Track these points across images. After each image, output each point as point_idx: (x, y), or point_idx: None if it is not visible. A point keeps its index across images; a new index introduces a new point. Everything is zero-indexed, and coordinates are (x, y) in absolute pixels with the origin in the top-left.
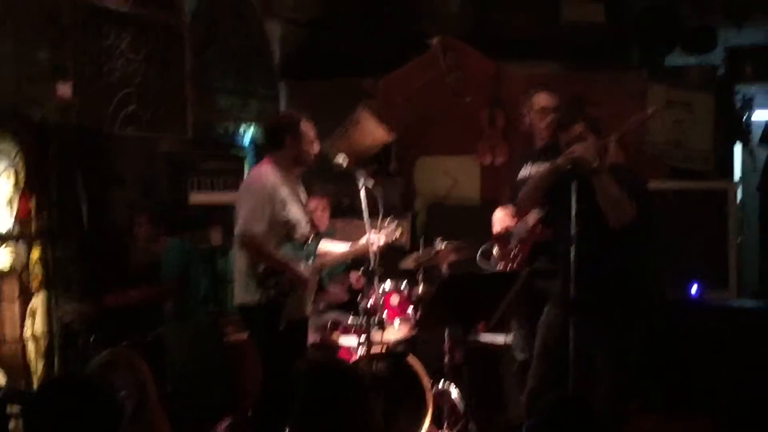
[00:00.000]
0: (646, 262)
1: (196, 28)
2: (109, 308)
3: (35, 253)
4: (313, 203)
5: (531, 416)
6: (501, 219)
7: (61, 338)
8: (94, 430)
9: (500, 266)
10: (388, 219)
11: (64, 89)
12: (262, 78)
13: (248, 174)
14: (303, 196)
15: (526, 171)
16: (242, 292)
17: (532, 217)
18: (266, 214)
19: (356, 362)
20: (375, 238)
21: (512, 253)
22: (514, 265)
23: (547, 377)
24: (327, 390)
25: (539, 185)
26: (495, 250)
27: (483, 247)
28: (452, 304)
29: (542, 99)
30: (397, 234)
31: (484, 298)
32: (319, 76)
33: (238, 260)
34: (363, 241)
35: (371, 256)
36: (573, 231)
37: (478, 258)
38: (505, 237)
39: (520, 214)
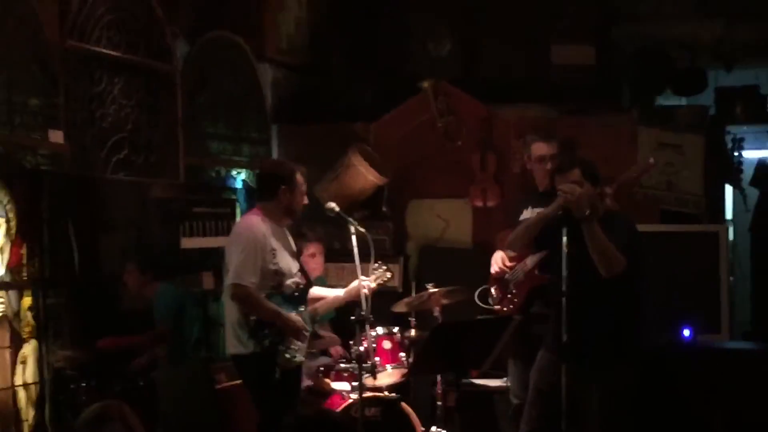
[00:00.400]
0: (639, 306)
1: (188, 73)
2: (101, 353)
3: (26, 301)
4: (310, 249)
5: None
6: (499, 261)
7: (52, 385)
8: None
9: (497, 308)
10: (378, 263)
11: (56, 136)
12: (254, 122)
13: (237, 223)
14: (292, 244)
15: (527, 214)
16: (235, 342)
17: (531, 260)
18: (257, 265)
19: (348, 408)
20: (366, 282)
21: (509, 296)
22: (512, 308)
23: (539, 423)
24: None
25: (529, 229)
26: (493, 291)
27: (481, 288)
28: (444, 351)
29: (540, 148)
30: (387, 276)
31: (476, 345)
32: (311, 120)
33: (229, 311)
34: (354, 284)
35: (362, 301)
36: (564, 275)
37: (476, 298)
38: (502, 279)
39: (511, 251)
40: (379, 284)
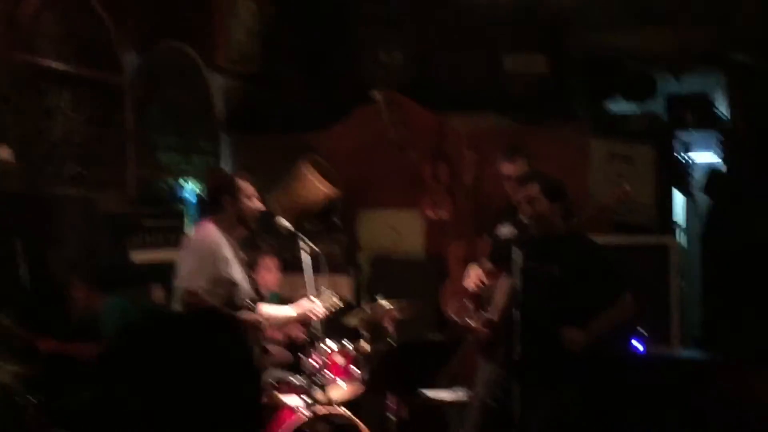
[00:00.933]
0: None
1: (137, 85)
2: (50, 368)
3: None
4: (266, 262)
5: None
6: (475, 278)
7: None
8: None
9: (471, 325)
10: (322, 288)
11: (4, 152)
12: (204, 132)
13: (190, 233)
14: (244, 258)
15: (505, 230)
16: None
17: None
18: (207, 271)
19: (300, 427)
20: (315, 308)
21: (485, 312)
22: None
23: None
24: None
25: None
26: (469, 307)
27: (458, 304)
28: (395, 371)
29: (506, 168)
30: (339, 305)
31: (427, 365)
32: (263, 130)
33: None
34: (303, 302)
35: (313, 322)
36: (517, 292)
37: (453, 313)
38: (477, 295)
39: (454, 254)
40: (328, 310)
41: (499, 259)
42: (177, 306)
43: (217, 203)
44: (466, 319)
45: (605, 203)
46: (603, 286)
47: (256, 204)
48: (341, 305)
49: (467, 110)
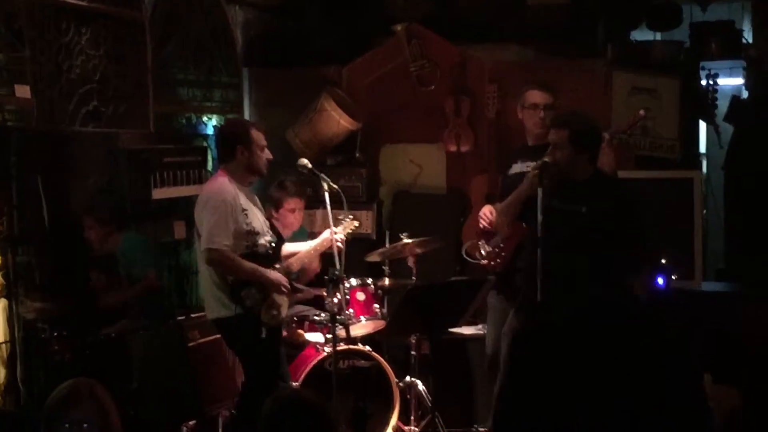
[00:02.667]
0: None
1: (157, 19)
2: (73, 304)
3: None
4: (291, 204)
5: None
6: (488, 215)
7: (23, 344)
8: None
9: (485, 263)
10: (343, 213)
11: (23, 91)
12: (224, 66)
13: (204, 188)
14: (259, 203)
15: (516, 168)
16: (216, 306)
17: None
18: (229, 227)
19: (322, 362)
20: (337, 236)
21: (497, 250)
22: (499, 263)
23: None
24: (294, 426)
25: (509, 208)
26: (481, 245)
27: (468, 243)
28: (418, 313)
29: (534, 95)
30: (355, 225)
31: (451, 306)
32: (283, 63)
33: (206, 276)
34: (324, 235)
35: (336, 260)
36: (540, 234)
37: (464, 252)
38: (490, 233)
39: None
40: (348, 234)
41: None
42: (203, 265)
43: (228, 152)
44: (478, 256)
45: (619, 127)
46: (626, 236)
47: (267, 154)
48: (357, 224)
49: (490, 43)
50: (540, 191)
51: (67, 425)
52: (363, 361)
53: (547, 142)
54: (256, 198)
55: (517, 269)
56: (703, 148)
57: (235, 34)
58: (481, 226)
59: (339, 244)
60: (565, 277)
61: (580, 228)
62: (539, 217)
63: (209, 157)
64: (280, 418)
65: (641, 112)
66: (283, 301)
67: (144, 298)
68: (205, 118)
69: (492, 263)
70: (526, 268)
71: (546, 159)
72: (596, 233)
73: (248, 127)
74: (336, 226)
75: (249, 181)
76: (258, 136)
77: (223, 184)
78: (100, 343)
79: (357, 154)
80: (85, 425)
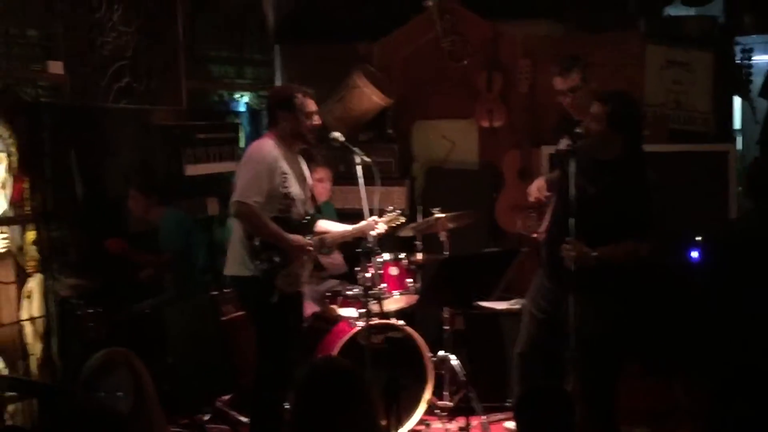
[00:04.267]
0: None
1: None
2: (111, 276)
3: (30, 235)
4: (319, 173)
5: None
6: (536, 191)
7: (58, 318)
8: None
9: (535, 236)
10: (392, 207)
11: (56, 67)
12: (256, 43)
13: (249, 146)
14: (305, 172)
15: (565, 142)
16: (235, 263)
17: None
18: (264, 186)
19: (355, 336)
20: (377, 226)
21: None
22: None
23: (529, 346)
24: (329, 396)
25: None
26: (533, 216)
27: (522, 215)
28: (451, 284)
29: (557, 83)
30: (401, 221)
31: (483, 277)
32: (314, 40)
33: (235, 230)
34: (363, 224)
35: (370, 237)
36: (573, 200)
37: (519, 226)
38: (538, 207)
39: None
40: (390, 227)
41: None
42: (231, 218)
43: (273, 118)
44: (530, 229)
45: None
46: (632, 220)
47: (315, 120)
48: (404, 220)
49: (522, 18)
50: (572, 166)
51: (102, 394)
52: (396, 332)
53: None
54: (305, 168)
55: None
56: (738, 125)
57: (266, 11)
58: (530, 200)
59: (376, 233)
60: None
61: (585, 208)
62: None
63: (241, 134)
64: (315, 385)
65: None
66: (303, 271)
67: (178, 275)
68: (237, 95)
69: (537, 235)
70: (547, 238)
71: (570, 145)
72: (599, 215)
73: (292, 93)
74: (380, 216)
75: (296, 147)
76: (303, 103)
77: (267, 144)
78: (134, 319)
79: (389, 130)
80: (119, 394)
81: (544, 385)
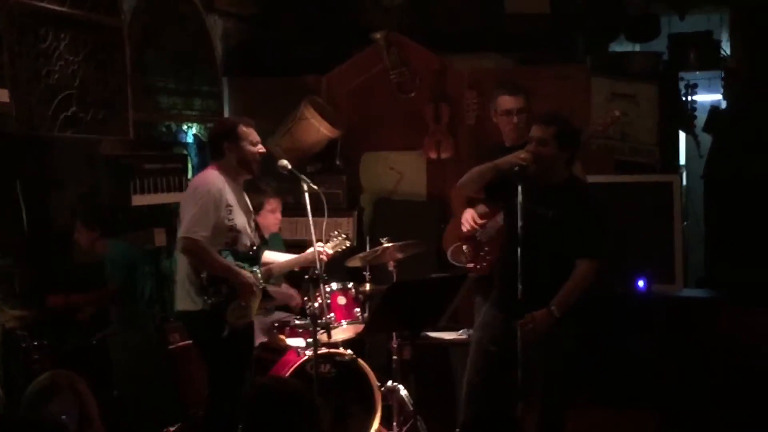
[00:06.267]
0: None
1: (136, 26)
2: (53, 312)
3: None
4: (272, 204)
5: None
6: (470, 219)
7: (2, 347)
8: None
9: (470, 267)
10: (337, 231)
11: (1, 95)
12: (204, 75)
13: (194, 178)
14: (248, 203)
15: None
16: (184, 298)
17: (502, 217)
18: (211, 219)
19: (303, 365)
20: (322, 249)
21: (482, 254)
22: (485, 266)
23: (483, 378)
24: (277, 412)
25: (482, 175)
26: (465, 249)
27: (453, 246)
28: (399, 309)
29: (506, 102)
30: (347, 245)
31: (431, 303)
32: (263, 72)
33: (181, 265)
34: (310, 251)
35: (318, 264)
36: (520, 233)
37: (449, 257)
38: (474, 237)
39: (458, 195)
40: (336, 252)
41: (489, 199)
42: (178, 254)
43: (219, 149)
44: (463, 260)
45: (594, 129)
46: (582, 238)
47: (259, 149)
48: (350, 244)
49: (468, 51)
50: (519, 191)
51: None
52: (344, 355)
53: (523, 144)
54: (247, 199)
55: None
56: (683, 160)
57: (214, 44)
58: (464, 230)
59: (322, 258)
60: (533, 273)
61: (545, 230)
62: (519, 217)
63: (189, 166)
64: (263, 405)
65: (616, 112)
66: (252, 303)
67: (124, 307)
68: (185, 127)
69: (477, 266)
70: (499, 265)
71: (522, 163)
72: (560, 237)
73: (236, 124)
74: (326, 242)
75: (241, 178)
76: (247, 132)
77: (211, 176)
78: (80, 351)
79: (337, 162)
80: (63, 417)
81: (490, 411)
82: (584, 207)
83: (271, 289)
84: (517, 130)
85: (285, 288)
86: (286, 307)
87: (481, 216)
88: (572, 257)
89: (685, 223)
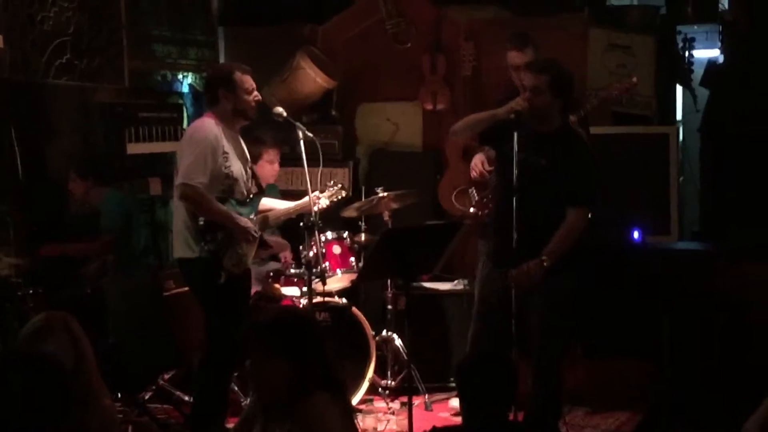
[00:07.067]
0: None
1: None
2: (48, 260)
3: None
4: (270, 154)
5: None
6: (479, 165)
7: None
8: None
9: (474, 212)
10: (333, 181)
11: None
12: (200, 24)
13: (190, 126)
14: (245, 151)
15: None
16: (181, 245)
17: None
18: (208, 166)
19: None
20: (319, 200)
21: (485, 201)
22: (487, 213)
23: (488, 331)
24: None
25: (479, 123)
26: (472, 193)
27: (457, 189)
28: (393, 256)
29: (513, 57)
30: (342, 195)
31: (426, 250)
32: (259, 21)
33: (178, 213)
34: (306, 199)
35: (313, 212)
36: (515, 182)
37: (453, 200)
38: (481, 183)
39: (452, 140)
40: (332, 201)
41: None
42: (176, 201)
43: (214, 96)
44: (467, 204)
45: (609, 93)
46: (573, 186)
47: (255, 97)
48: (346, 194)
49: (466, 1)
50: (515, 138)
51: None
52: (339, 303)
53: None
54: (244, 146)
55: None
56: (679, 115)
57: None
58: (472, 175)
59: (318, 207)
60: (528, 224)
61: (539, 179)
62: (514, 166)
63: (185, 115)
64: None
65: (633, 79)
66: (248, 250)
67: (119, 256)
68: (180, 76)
69: (480, 212)
70: (494, 216)
71: (517, 107)
72: (554, 185)
73: (231, 71)
74: (322, 191)
75: (237, 125)
76: (242, 79)
77: (208, 123)
78: (75, 299)
79: (333, 112)
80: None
81: (486, 352)
82: (576, 154)
83: (267, 237)
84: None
85: (278, 239)
86: (278, 258)
87: (490, 162)
88: (562, 205)
89: (681, 178)
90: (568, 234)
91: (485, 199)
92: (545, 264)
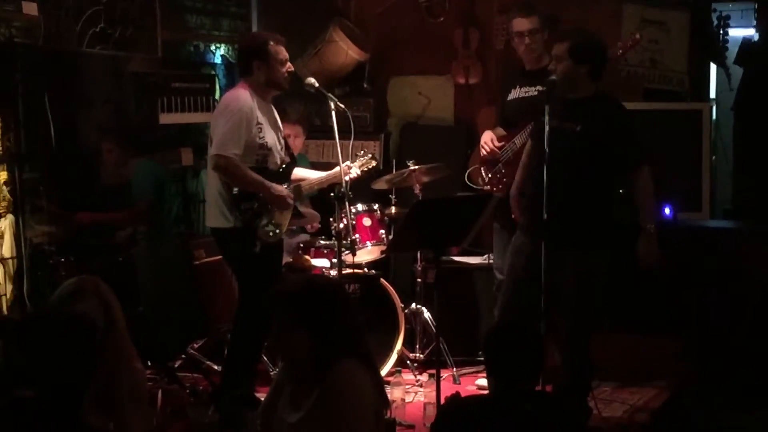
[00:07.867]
0: (617, 185)
1: None
2: (81, 229)
3: (2, 176)
4: (286, 130)
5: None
6: (489, 141)
7: (30, 261)
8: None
9: (487, 189)
10: (364, 150)
11: (30, 8)
12: None
13: (224, 96)
14: (278, 121)
15: (514, 94)
16: (216, 215)
17: (519, 139)
18: (242, 137)
19: None
20: (350, 170)
21: (498, 176)
22: (501, 188)
23: (516, 304)
24: (306, 303)
25: (522, 167)
26: (483, 171)
27: (471, 168)
28: (423, 228)
29: (519, 23)
30: (373, 164)
31: (456, 223)
32: None
33: (212, 183)
34: (337, 169)
35: (343, 180)
36: (546, 155)
37: (465, 179)
38: (492, 160)
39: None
40: (363, 171)
41: (505, 122)
42: (210, 171)
43: (248, 66)
44: (480, 182)
45: (614, 51)
46: (623, 151)
47: (288, 68)
48: (376, 163)
49: None
50: (546, 110)
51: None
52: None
53: (543, 67)
54: (277, 116)
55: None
56: (713, 93)
57: None
58: (482, 153)
59: (349, 177)
60: (562, 197)
61: (574, 147)
62: (546, 139)
63: (217, 86)
64: (291, 297)
65: (637, 35)
66: (283, 219)
67: (151, 226)
68: (213, 47)
69: (494, 189)
70: (531, 189)
71: (553, 77)
72: (590, 152)
73: (266, 41)
74: (353, 161)
75: (270, 96)
76: (276, 50)
77: (242, 94)
78: (106, 268)
79: (365, 85)
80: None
81: (514, 322)
82: (617, 118)
83: (300, 207)
84: (531, 51)
85: (309, 210)
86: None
87: (499, 139)
88: (602, 169)
89: (713, 157)
90: (647, 196)
91: (498, 175)
92: (651, 230)
